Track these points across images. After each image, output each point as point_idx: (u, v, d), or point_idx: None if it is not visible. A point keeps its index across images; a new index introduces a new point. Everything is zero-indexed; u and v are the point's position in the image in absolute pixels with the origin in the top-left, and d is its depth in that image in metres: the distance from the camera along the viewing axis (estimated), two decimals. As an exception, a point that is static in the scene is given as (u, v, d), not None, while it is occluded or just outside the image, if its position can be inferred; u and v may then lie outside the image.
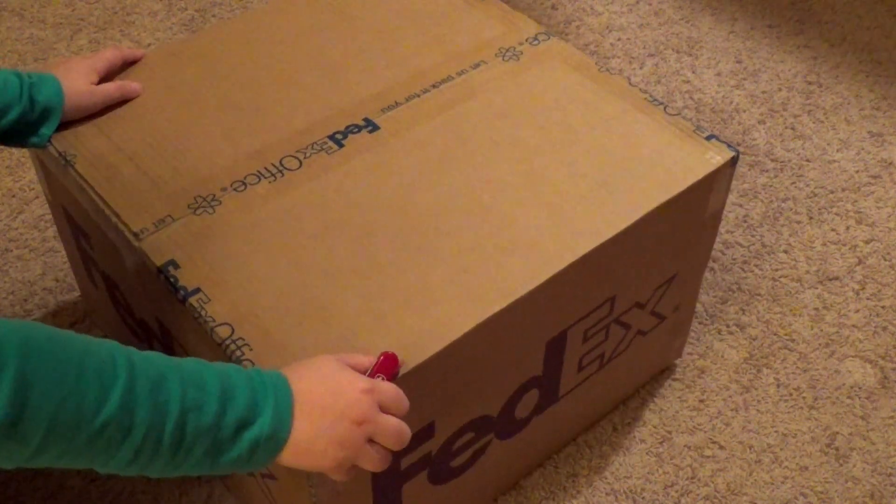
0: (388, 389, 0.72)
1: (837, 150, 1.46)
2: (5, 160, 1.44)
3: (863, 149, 1.46)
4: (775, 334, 1.22)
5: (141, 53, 1.05)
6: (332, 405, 0.69)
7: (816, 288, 1.28)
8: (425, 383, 0.80)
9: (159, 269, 0.83)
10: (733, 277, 1.29)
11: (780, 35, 1.67)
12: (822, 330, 1.23)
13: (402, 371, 0.76)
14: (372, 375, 0.73)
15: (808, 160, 1.45)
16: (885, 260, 1.31)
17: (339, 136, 0.96)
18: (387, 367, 0.74)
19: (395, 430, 0.71)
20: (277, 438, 0.68)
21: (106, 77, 1.00)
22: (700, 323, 1.23)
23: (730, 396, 1.16)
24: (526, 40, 1.07)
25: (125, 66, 1.03)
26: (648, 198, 0.91)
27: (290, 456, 0.69)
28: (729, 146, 0.96)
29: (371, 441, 0.71)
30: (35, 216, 1.36)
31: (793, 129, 1.50)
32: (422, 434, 0.85)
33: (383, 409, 0.71)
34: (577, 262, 0.86)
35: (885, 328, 1.23)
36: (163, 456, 0.64)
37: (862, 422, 1.14)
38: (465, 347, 0.81)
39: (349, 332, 0.79)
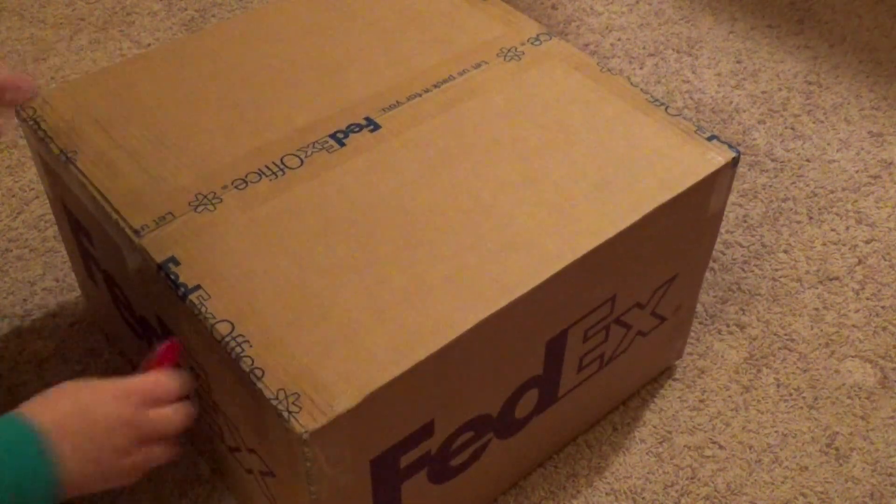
0: (144, 381, 0.68)
1: (837, 150, 1.46)
2: (5, 160, 1.44)
3: (863, 149, 1.47)
4: (775, 334, 1.22)
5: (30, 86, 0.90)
6: (91, 425, 0.65)
7: (816, 288, 1.28)
8: (425, 381, 0.80)
9: (159, 266, 0.83)
10: (733, 277, 1.29)
11: (780, 35, 1.67)
12: (822, 330, 1.23)
13: (401, 369, 0.76)
14: (157, 366, 0.69)
15: (808, 160, 1.45)
16: (885, 260, 1.31)
17: (340, 135, 0.96)
18: (168, 356, 0.71)
19: (168, 418, 0.68)
20: (35, 484, 0.62)
21: None
22: (700, 323, 1.23)
23: (730, 396, 1.16)
24: (527, 40, 1.08)
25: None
26: (649, 198, 0.91)
27: (77, 484, 0.64)
28: (730, 146, 0.96)
29: (151, 438, 0.68)
30: (35, 216, 1.35)
31: (793, 129, 1.50)
32: (421, 432, 0.85)
33: (154, 400, 0.68)
34: (577, 261, 0.86)
35: (885, 328, 1.23)
36: None
37: (862, 422, 1.14)
38: (464, 346, 0.81)
39: (349, 328, 0.79)
